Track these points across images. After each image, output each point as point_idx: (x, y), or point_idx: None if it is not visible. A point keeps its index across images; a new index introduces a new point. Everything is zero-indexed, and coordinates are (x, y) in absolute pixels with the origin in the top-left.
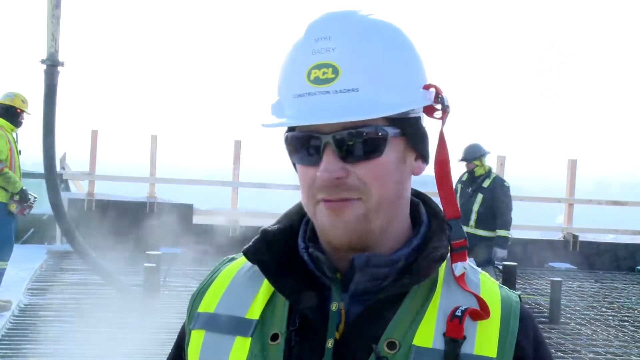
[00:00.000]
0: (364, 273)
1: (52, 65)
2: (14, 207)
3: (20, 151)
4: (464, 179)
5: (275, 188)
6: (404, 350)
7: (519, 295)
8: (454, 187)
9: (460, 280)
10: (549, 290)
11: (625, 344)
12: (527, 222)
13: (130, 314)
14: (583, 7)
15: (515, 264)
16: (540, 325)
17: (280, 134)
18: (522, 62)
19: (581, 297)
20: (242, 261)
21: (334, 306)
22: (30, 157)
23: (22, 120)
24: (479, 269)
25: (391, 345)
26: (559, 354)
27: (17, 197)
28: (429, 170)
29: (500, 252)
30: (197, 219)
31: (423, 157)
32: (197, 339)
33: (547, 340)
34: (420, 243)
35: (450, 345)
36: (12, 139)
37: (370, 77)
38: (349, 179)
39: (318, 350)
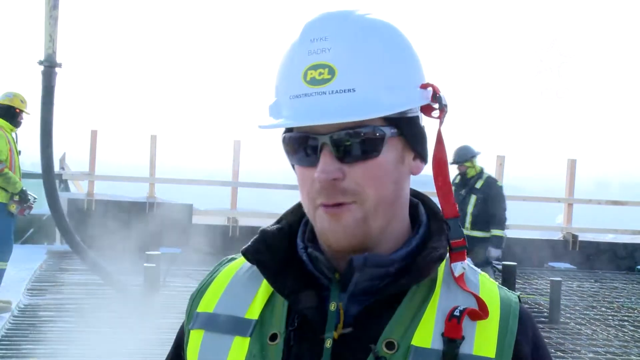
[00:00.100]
0: (362, 273)
1: (49, 67)
2: (14, 208)
3: (19, 151)
4: (456, 181)
5: (274, 188)
6: (403, 351)
7: (519, 296)
8: None
9: (460, 280)
10: (548, 290)
11: (625, 344)
12: (526, 222)
13: (130, 314)
14: (583, 7)
15: (515, 263)
16: (540, 325)
17: (279, 135)
18: (522, 62)
19: (581, 296)
20: (241, 261)
21: (332, 306)
22: (30, 157)
23: (21, 120)
24: (478, 270)
25: (390, 345)
26: (559, 353)
27: (17, 198)
28: (428, 170)
29: (495, 252)
30: (196, 219)
31: (421, 156)
32: (196, 339)
33: (546, 340)
34: (419, 243)
35: (448, 345)
36: (12, 139)
37: (366, 77)
38: (345, 181)
39: (317, 350)
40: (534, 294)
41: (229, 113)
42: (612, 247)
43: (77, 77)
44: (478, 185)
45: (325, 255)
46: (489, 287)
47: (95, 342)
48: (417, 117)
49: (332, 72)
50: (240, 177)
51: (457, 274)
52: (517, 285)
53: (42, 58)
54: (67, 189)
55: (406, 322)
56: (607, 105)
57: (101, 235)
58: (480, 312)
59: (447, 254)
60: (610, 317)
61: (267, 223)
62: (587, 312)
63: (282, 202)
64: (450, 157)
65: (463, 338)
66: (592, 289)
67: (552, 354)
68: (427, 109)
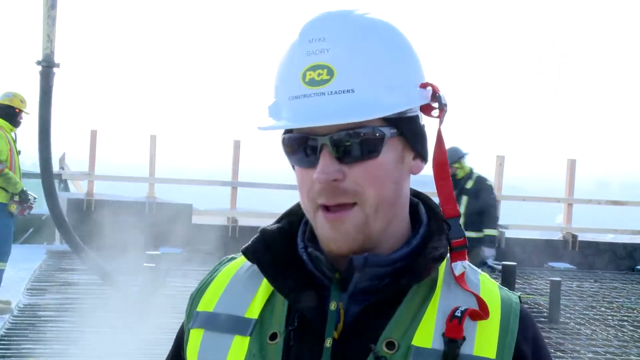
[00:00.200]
0: (362, 273)
1: (47, 67)
2: (14, 208)
3: (19, 151)
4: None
5: (274, 188)
6: (403, 350)
7: (519, 297)
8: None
9: (460, 280)
10: (548, 290)
11: (625, 344)
12: (526, 222)
13: (129, 314)
14: (583, 7)
15: (514, 263)
16: (540, 325)
17: (278, 135)
18: (522, 62)
19: (580, 296)
20: (241, 260)
21: (332, 306)
22: (30, 157)
23: (21, 120)
24: (479, 270)
25: (390, 345)
26: (558, 353)
27: (17, 198)
28: (428, 169)
29: (489, 252)
30: (196, 219)
31: (421, 156)
32: (196, 338)
33: (546, 340)
34: (419, 243)
35: (449, 345)
36: (12, 139)
37: (365, 77)
38: (345, 182)
39: (317, 349)
40: (533, 294)
41: (229, 113)
42: (612, 247)
43: (77, 77)
44: (468, 185)
45: (326, 255)
46: (489, 287)
47: (95, 342)
48: (416, 117)
49: (331, 72)
50: (240, 177)
51: (457, 274)
52: (516, 285)
53: (40, 58)
54: (66, 188)
55: (406, 322)
56: (607, 105)
57: (101, 235)
58: (481, 312)
59: (448, 254)
60: (609, 317)
61: (267, 223)
62: (587, 312)
63: (282, 202)
64: None
65: (464, 338)
66: (591, 289)
67: (551, 354)
68: (426, 109)
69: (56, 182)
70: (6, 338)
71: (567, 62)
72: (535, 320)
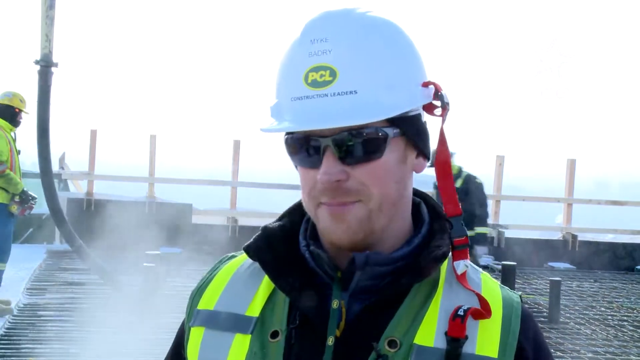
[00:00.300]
0: (364, 272)
1: (45, 66)
2: (14, 208)
3: (19, 151)
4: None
5: (274, 188)
6: (405, 349)
7: (520, 296)
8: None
9: (462, 278)
10: (548, 290)
11: (625, 344)
12: (526, 222)
13: (129, 314)
14: (583, 7)
15: (514, 263)
16: (540, 325)
17: (279, 135)
18: (522, 62)
19: (580, 296)
20: (242, 258)
21: (334, 304)
22: (30, 156)
23: (21, 120)
24: (480, 269)
25: (392, 343)
26: (558, 353)
27: (17, 199)
28: (428, 169)
29: (481, 250)
30: (196, 219)
31: (424, 154)
32: (196, 336)
33: (546, 340)
34: (421, 242)
35: (452, 344)
36: (11, 138)
37: (368, 77)
38: (348, 182)
39: (318, 348)
40: (533, 294)
41: (229, 113)
42: (612, 247)
43: (76, 76)
44: (458, 184)
45: (328, 254)
46: (491, 287)
47: (95, 341)
48: (419, 115)
49: (333, 74)
50: (240, 177)
51: (459, 272)
52: (516, 285)
53: (38, 58)
54: (66, 188)
55: (408, 320)
56: (607, 105)
57: (101, 235)
58: (483, 311)
59: (450, 253)
60: (609, 317)
61: (266, 223)
62: (587, 312)
63: (282, 202)
64: None
65: (466, 337)
66: (591, 289)
67: (552, 354)
68: (429, 107)
69: (56, 181)
70: (6, 338)
71: (567, 62)
72: (536, 320)
